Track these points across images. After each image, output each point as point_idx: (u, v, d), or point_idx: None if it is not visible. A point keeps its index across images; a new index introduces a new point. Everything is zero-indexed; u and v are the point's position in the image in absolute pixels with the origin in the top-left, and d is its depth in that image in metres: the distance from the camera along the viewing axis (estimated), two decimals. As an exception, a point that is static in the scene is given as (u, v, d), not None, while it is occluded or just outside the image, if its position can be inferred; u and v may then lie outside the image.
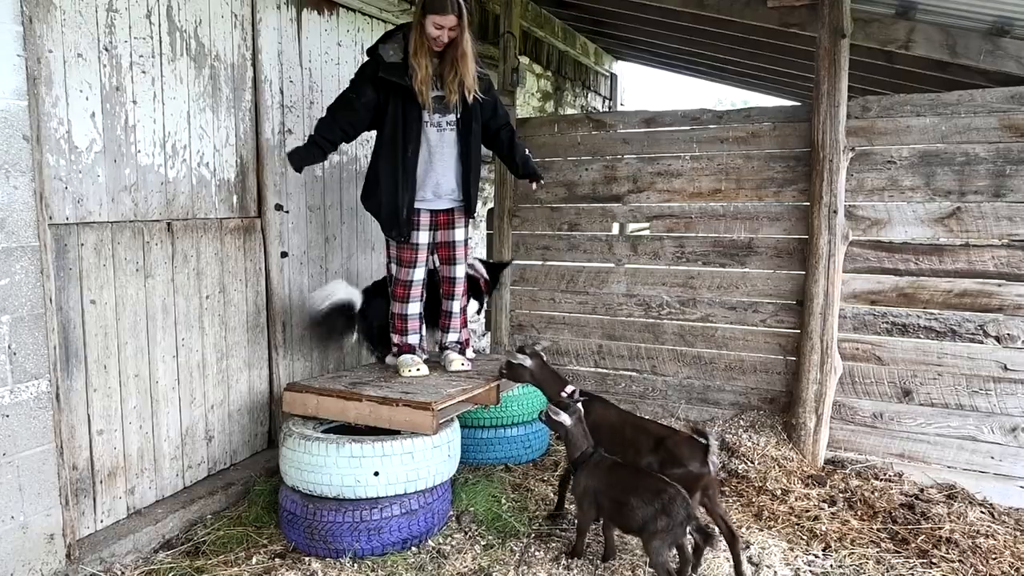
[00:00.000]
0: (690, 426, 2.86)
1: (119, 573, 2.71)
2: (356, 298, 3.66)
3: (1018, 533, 3.09)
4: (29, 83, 2.43)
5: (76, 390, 2.75)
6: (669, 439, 2.80)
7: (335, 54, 4.04)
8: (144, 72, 2.96)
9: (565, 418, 2.80)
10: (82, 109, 2.72)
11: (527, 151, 3.60)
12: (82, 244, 2.74)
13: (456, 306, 3.67)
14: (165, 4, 3.02)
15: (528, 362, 3.22)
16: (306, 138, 3.36)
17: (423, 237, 3.47)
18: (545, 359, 3.30)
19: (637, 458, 2.85)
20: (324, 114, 3.34)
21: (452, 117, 3.35)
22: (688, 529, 2.49)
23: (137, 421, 3.01)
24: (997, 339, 3.54)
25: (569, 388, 3.17)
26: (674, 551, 2.60)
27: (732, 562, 2.72)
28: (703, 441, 2.72)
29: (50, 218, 2.59)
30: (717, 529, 2.71)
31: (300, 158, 3.25)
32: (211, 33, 3.26)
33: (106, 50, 2.79)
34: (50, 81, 2.59)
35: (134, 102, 2.93)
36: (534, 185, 3.64)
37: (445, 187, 3.40)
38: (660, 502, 2.49)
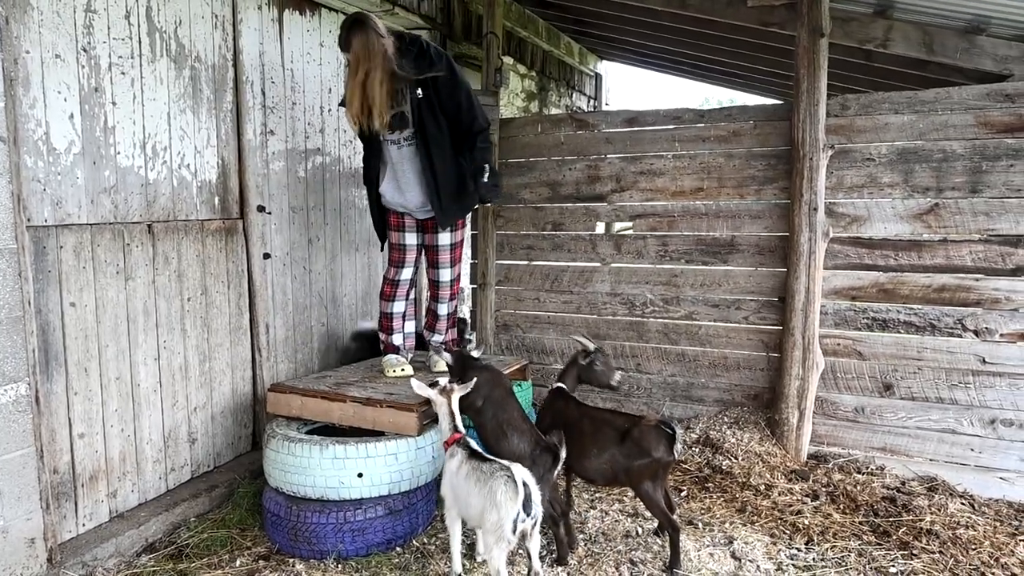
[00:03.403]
0: (656, 416, 2.89)
1: (101, 577, 2.70)
2: None
3: (997, 524, 3.13)
4: (6, 84, 2.41)
5: (56, 393, 2.73)
6: (635, 428, 2.81)
7: (317, 55, 4.03)
8: (123, 73, 2.94)
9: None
10: (60, 110, 2.70)
11: (485, 166, 3.33)
12: (61, 246, 2.73)
13: (443, 308, 3.68)
14: (144, 5, 3.01)
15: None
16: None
17: (410, 239, 3.49)
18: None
19: (602, 450, 2.86)
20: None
21: (408, 132, 3.29)
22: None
23: (119, 424, 3.00)
24: (975, 333, 3.59)
25: (557, 384, 3.19)
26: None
27: (670, 550, 2.78)
28: (668, 431, 2.75)
29: (28, 220, 2.58)
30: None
31: (376, 224, 3.58)
32: (191, 34, 3.25)
33: (84, 51, 2.78)
34: (27, 82, 2.58)
35: (113, 103, 2.91)
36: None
37: (414, 202, 3.42)
38: (531, 456, 2.77)
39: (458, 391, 2.79)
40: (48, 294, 2.69)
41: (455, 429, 2.72)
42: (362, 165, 3.62)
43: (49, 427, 2.70)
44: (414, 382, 2.80)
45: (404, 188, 3.39)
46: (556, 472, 2.78)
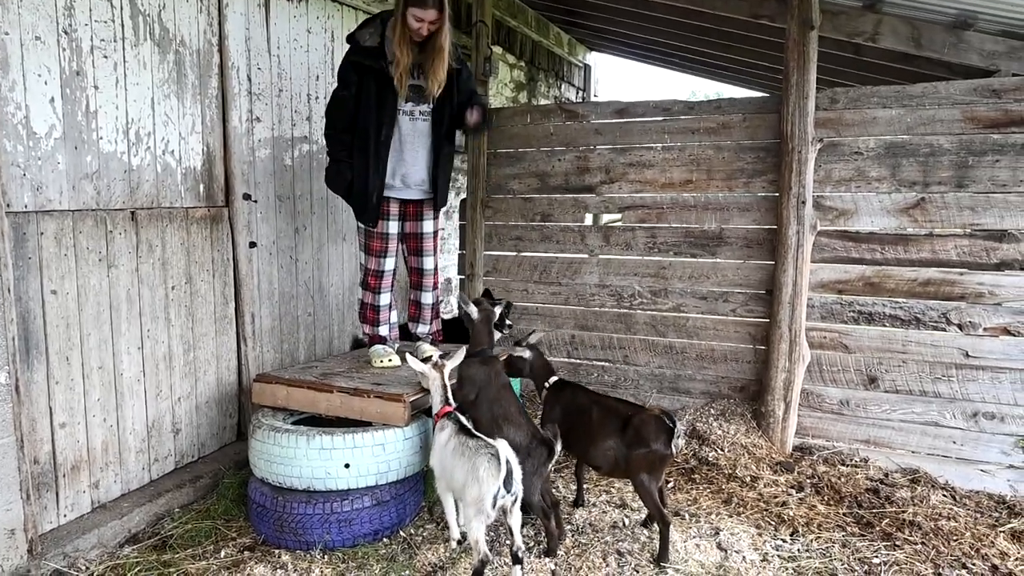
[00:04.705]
0: (659, 407, 2.88)
1: (83, 568, 2.66)
2: None
3: (978, 515, 3.17)
4: (-16, 66, 2.36)
5: (37, 382, 2.69)
6: (636, 417, 2.82)
7: (304, 41, 3.98)
8: (106, 57, 2.89)
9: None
10: (41, 94, 2.64)
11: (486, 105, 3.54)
12: (42, 233, 2.67)
13: (427, 297, 3.65)
14: (127, -13, 2.95)
15: (527, 354, 3.30)
16: (327, 157, 3.44)
17: (393, 227, 3.45)
18: (541, 351, 3.37)
19: (606, 438, 2.87)
20: (325, 124, 3.39)
21: (427, 107, 3.34)
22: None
23: (101, 414, 2.95)
24: (959, 327, 3.62)
25: (553, 378, 3.25)
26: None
27: (660, 543, 2.79)
28: (669, 423, 2.74)
29: (8, 206, 2.52)
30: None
31: (333, 182, 3.41)
32: (176, 18, 3.19)
33: (66, 33, 2.72)
34: (7, 65, 2.52)
35: (95, 87, 2.85)
36: (473, 116, 3.35)
37: (414, 177, 3.38)
38: (527, 449, 2.76)
39: (449, 364, 2.93)
40: (28, 281, 2.64)
41: (446, 401, 2.84)
42: (361, 136, 3.26)
43: (29, 416, 2.65)
44: (408, 356, 2.96)
45: (409, 161, 3.35)
46: (551, 465, 2.78)
